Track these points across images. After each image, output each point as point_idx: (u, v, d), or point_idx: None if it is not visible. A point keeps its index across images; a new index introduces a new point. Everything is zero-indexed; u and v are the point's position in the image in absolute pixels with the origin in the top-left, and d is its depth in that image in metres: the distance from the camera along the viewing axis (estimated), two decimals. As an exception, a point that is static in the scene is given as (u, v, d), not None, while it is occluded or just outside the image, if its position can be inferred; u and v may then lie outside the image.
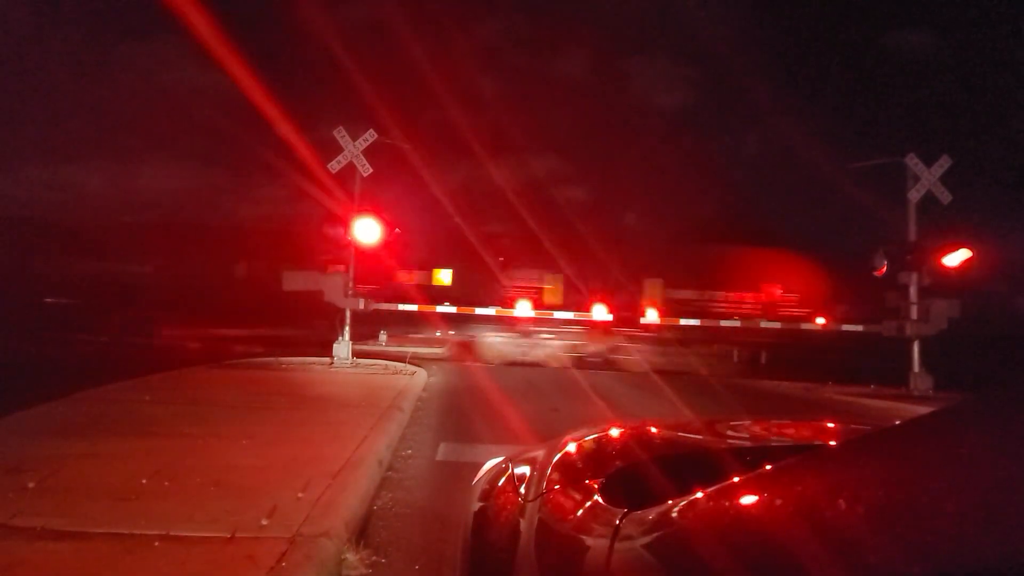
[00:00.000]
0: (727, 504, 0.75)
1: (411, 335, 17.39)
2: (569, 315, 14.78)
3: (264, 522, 2.73)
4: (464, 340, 16.10)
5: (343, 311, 10.89)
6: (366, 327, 13.76)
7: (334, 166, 10.86)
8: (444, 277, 13.92)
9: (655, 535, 0.84)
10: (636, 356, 14.69)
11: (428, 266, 13.92)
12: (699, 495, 0.80)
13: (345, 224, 10.83)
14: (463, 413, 7.12)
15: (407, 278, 13.21)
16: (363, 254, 11.10)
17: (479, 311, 14.47)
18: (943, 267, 10.86)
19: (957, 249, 10.83)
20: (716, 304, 16.58)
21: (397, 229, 11.71)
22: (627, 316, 14.86)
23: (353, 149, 10.91)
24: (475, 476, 1.75)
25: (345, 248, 11.00)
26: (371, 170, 11.06)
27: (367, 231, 10.78)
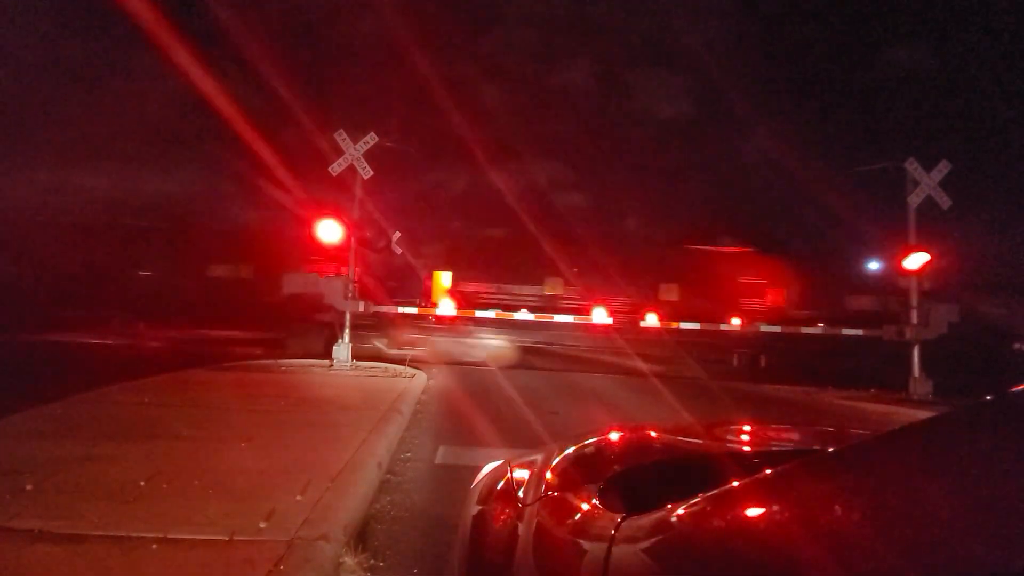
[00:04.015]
0: (725, 509, 0.75)
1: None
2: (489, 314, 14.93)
3: (262, 525, 2.72)
4: None
5: (343, 314, 10.89)
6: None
7: (335, 168, 10.88)
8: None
9: (653, 540, 0.84)
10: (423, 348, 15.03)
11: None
12: (697, 500, 0.80)
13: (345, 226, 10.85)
14: (462, 416, 7.11)
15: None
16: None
17: (479, 314, 14.48)
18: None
19: (956, 253, 10.88)
20: (502, 296, 16.94)
21: (397, 232, 11.73)
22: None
23: (354, 152, 10.93)
24: (474, 479, 1.74)
25: (345, 251, 11.01)
26: (371, 173, 11.07)
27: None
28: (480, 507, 1.54)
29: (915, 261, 10.88)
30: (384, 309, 12.38)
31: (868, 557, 0.51)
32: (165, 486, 3.23)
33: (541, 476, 1.35)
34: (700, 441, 1.68)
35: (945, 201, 11.05)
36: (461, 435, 5.91)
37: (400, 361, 11.40)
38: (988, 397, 0.61)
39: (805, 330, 13.71)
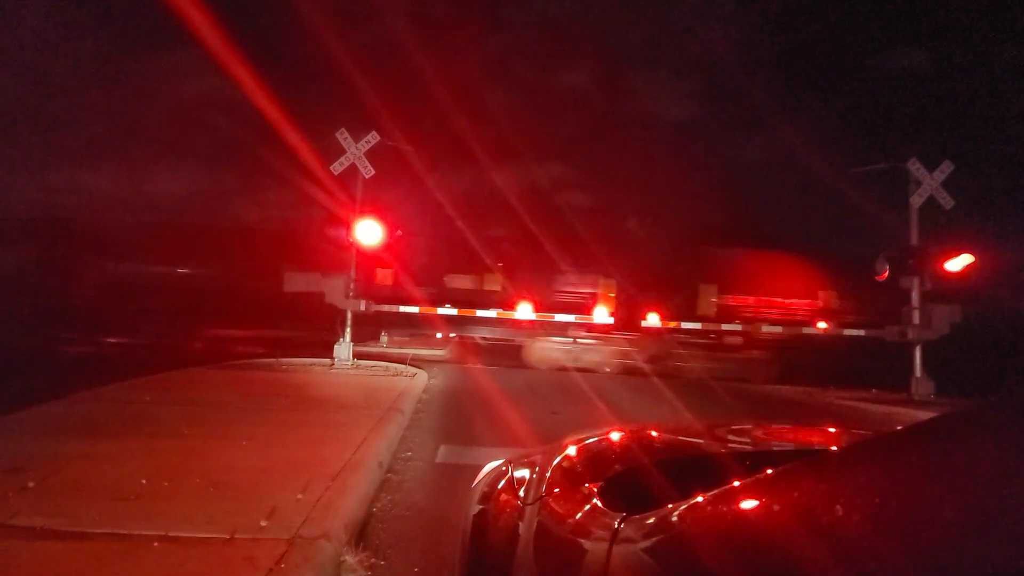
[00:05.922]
0: (726, 508, 0.75)
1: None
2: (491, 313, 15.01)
3: (263, 523, 2.73)
4: None
5: (344, 312, 10.89)
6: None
7: (336, 168, 10.88)
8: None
9: (654, 539, 0.84)
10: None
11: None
12: (698, 499, 0.80)
13: (347, 226, 10.85)
14: (463, 415, 7.12)
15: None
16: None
17: (480, 313, 14.48)
18: (945, 272, 10.87)
19: (959, 254, 10.84)
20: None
21: (399, 231, 11.72)
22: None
23: (355, 151, 10.92)
24: (474, 479, 1.74)
25: (347, 250, 11.01)
26: (373, 172, 11.07)
27: (368, 232, 10.79)
28: (481, 506, 1.54)
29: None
30: (385, 308, 12.38)
31: (869, 557, 0.51)
32: (166, 484, 3.23)
33: (542, 475, 1.35)
34: (701, 441, 1.68)
35: (947, 201, 11.02)
36: (462, 434, 5.92)
37: (401, 360, 11.41)
38: (989, 397, 0.61)
39: (806, 330, 13.70)
